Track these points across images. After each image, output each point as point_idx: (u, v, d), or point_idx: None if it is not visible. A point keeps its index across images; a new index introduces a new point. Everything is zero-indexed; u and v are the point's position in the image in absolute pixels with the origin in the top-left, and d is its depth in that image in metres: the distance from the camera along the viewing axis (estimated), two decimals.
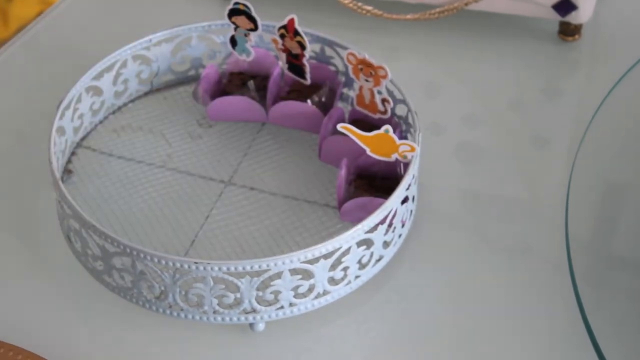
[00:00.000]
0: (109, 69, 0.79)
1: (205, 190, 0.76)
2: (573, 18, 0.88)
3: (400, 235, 0.71)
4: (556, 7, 0.87)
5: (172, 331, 0.68)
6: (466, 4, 0.87)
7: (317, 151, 0.78)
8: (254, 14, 0.77)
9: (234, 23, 0.78)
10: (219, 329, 0.68)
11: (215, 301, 0.66)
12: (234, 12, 0.78)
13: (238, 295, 0.66)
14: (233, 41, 0.79)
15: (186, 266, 0.64)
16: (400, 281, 0.71)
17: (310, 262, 0.65)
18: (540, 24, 0.91)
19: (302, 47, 0.77)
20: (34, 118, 0.83)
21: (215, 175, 0.77)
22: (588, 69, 0.90)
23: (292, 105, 0.79)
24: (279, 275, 0.65)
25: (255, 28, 0.78)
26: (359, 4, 0.89)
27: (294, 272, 0.66)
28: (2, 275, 0.72)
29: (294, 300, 0.67)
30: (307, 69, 0.78)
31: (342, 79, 0.80)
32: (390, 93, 0.76)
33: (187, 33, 0.81)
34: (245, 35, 0.79)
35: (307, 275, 0.66)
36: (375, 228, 0.68)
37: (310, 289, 0.67)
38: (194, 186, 0.76)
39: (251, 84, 0.80)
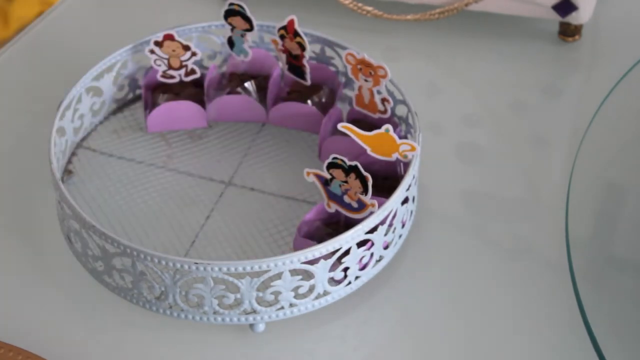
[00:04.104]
0: (109, 69, 0.79)
1: (206, 190, 0.76)
2: (573, 18, 0.88)
3: (400, 236, 0.71)
4: (556, 8, 0.87)
5: (173, 332, 0.68)
6: (466, 5, 0.87)
7: (317, 151, 0.78)
8: (249, 14, 0.77)
9: (230, 24, 0.78)
10: (219, 329, 0.68)
11: (215, 302, 0.66)
12: (229, 13, 0.78)
13: (238, 295, 0.66)
14: (230, 42, 0.80)
15: (186, 267, 0.64)
16: (401, 282, 0.71)
17: (311, 262, 0.66)
18: (540, 24, 0.91)
19: (302, 47, 0.77)
20: (34, 118, 0.83)
21: (215, 175, 0.77)
22: (588, 69, 0.90)
23: (292, 106, 0.79)
24: (279, 275, 0.65)
25: (251, 28, 0.78)
26: (359, 4, 0.89)
27: (294, 272, 0.66)
28: (2, 275, 0.72)
29: (294, 301, 0.67)
30: (307, 70, 0.78)
31: (343, 79, 0.80)
32: (390, 93, 0.76)
33: (187, 33, 0.81)
34: (242, 35, 0.79)
35: (308, 275, 0.66)
36: (375, 229, 0.68)
37: (311, 289, 0.67)
38: (195, 187, 0.76)
39: (249, 84, 0.80)
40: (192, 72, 0.80)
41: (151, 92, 0.80)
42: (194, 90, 0.80)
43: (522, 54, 0.89)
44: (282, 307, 0.67)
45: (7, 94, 0.86)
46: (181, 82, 0.80)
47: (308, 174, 0.70)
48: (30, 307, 0.70)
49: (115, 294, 0.69)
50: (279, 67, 0.80)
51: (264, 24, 0.80)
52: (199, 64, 0.82)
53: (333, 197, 0.70)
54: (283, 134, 0.80)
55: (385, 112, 0.76)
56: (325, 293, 0.68)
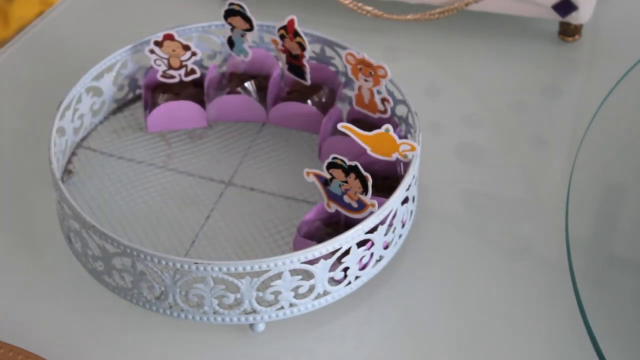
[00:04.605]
0: (109, 69, 0.79)
1: (206, 190, 0.76)
2: (573, 18, 0.88)
3: (400, 236, 0.71)
4: (556, 8, 0.87)
5: (172, 332, 0.68)
6: (466, 4, 0.87)
7: (317, 151, 0.78)
8: (249, 14, 0.77)
9: (230, 24, 0.78)
10: (219, 329, 0.68)
11: (215, 302, 0.66)
12: (229, 13, 0.78)
13: (238, 295, 0.66)
14: (230, 42, 0.80)
15: (186, 267, 0.64)
16: (401, 282, 0.71)
17: (311, 262, 0.66)
18: (540, 24, 0.91)
19: (302, 47, 0.77)
20: (34, 118, 0.83)
21: (215, 175, 0.77)
22: (588, 69, 0.90)
23: (292, 106, 0.79)
24: (279, 275, 0.65)
25: (251, 28, 0.78)
26: (359, 4, 0.89)
27: (294, 272, 0.66)
28: (2, 275, 0.72)
29: (294, 301, 0.67)
30: (307, 70, 0.78)
31: (343, 79, 0.80)
32: (390, 93, 0.76)
33: (187, 33, 0.81)
34: (242, 35, 0.79)
35: (308, 275, 0.66)
36: (375, 228, 0.68)
37: (311, 289, 0.67)
38: (194, 187, 0.76)
39: (249, 84, 0.80)
40: (192, 72, 0.80)
41: (151, 92, 0.80)
42: (194, 90, 0.80)
43: (522, 54, 0.89)
44: (282, 307, 0.67)
45: (7, 94, 0.86)
46: (181, 82, 0.80)
47: (308, 174, 0.70)
48: (30, 307, 0.70)
49: (115, 294, 0.69)
50: (279, 67, 0.80)
51: (264, 24, 0.80)
52: (199, 64, 0.82)
53: (333, 197, 0.70)
54: (283, 134, 0.80)
55: (385, 112, 0.76)
56: (325, 293, 0.68)
